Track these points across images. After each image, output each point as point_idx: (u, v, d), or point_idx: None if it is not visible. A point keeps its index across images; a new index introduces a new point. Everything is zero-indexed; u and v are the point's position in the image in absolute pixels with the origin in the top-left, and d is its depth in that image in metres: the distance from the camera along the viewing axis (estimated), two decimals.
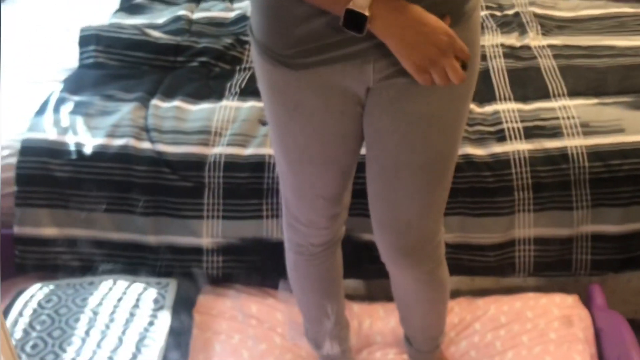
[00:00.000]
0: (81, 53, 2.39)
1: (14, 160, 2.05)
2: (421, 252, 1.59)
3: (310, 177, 1.53)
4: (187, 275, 2.04)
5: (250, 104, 2.21)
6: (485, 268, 2.10)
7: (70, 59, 2.40)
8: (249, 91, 2.26)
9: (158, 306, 1.88)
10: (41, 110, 2.16)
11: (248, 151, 2.08)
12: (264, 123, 2.13)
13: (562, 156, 2.07)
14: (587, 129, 2.12)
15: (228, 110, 2.18)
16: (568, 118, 2.15)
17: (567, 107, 2.19)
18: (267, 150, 2.08)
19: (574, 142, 2.09)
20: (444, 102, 1.39)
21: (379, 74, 1.38)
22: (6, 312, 1.84)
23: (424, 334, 1.85)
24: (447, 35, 1.25)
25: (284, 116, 1.45)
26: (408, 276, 1.66)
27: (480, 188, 2.05)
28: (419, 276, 1.65)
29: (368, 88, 1.39)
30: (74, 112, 2.16)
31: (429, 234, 1.58)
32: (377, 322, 2.04)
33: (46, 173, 2.04)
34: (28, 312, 1.82)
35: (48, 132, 2.09)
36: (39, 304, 1.84)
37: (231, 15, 2.67)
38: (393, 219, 1.54)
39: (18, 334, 1.77)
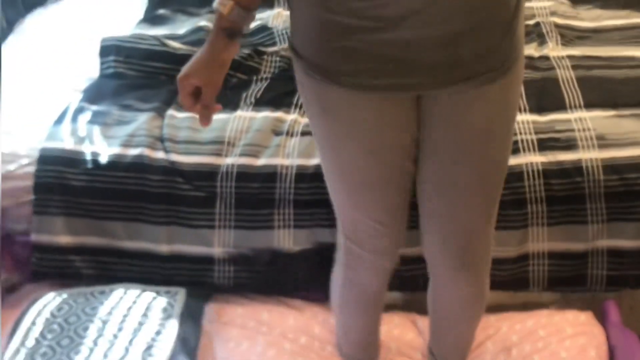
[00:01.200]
0: (101, 63, 2.39)
1: (32, 169, 2.06)
2: (478, 266, 1.59)
3: (370, 204, 1.49)
4: (198, 284, 2.02)
5: (265, 114, 2.18)
6: (500, 282, 2.03)
7: (92, 68, 2.39)
8: (264, 101, 2.23)
9: (166, 315, 1.86)
10: (59, 120, 2.16)
11: (261, 161, 2.06)
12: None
13: (576, 169, 2.01)
14: (603, 142, 2.05)
15: (242, 120, 2.16)
16: (584, 130, 2.08)
17: (583, 118, 2.12)
18: (279, 161, 2.05)
19: (589, 155, 2.02)
20: (499, 113, 1.39)
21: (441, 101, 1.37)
22: (20, 320, 1.84)
23: (456, 347, 1.82)
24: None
25: (339, 137, 1.40)
26: (460, 290, 1.62)
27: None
28: (470, 290, 1.62)
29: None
30: (91, 121, 2.15)
31: (487, 247, 1.57)
32: (394, 330, 1.99)
33: (63, 182, 2.04)
34: (41, 320, 1.82)
35: (65, 142, 2.09)
36: (51, 313, 1.84)
37: (251, 25, 2.64)
38: (455, 234, 1.52)
39: (30, 342, 1.77)
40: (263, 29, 2.61)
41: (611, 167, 2.00)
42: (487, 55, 1.30)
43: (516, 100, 1.44)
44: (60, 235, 2.04)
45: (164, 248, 2.03)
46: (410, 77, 1.29)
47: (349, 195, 1.50)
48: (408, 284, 2.02)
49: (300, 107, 2.22)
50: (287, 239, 2.03)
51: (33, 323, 1.82)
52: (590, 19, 2.67)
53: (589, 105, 2.17)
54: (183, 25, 2.61)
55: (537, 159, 2.03)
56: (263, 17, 2.72)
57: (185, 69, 1.40)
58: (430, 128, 1.41)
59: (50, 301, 1.89)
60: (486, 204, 1.50)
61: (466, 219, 1.49)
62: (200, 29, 2.57)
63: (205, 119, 1.42)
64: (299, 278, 2.05)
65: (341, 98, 1.33)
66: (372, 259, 1.61)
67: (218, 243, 2.02)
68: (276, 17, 2.72)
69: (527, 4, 2.74)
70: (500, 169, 1.49)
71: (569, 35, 2.54)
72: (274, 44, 2.53)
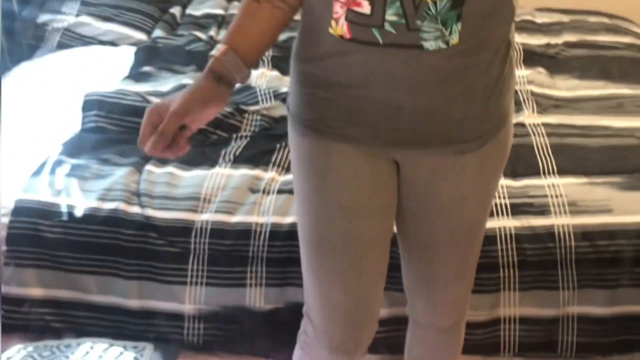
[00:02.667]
0: (83, 117, 2.38)
1: (6, 219, 2.02)
2: (455, 327, 1.59)
3: (341, 268, 1.39)
4: (167, 341, 1.97)
5: (243, 171, 2.17)
6: (471, 347, 1.98)
7: (74, 122, 2.38)
8: (243, 159, 2.22)
9: None
10: (37, 172, 2.14)
11: (235, 218, 2.03)
12: None
13: (548, 234, 1.99)
14: (575, 208, 2.04)
15: (220, 177, 2.14)
16: (557, 196, 2.07)
17: (556, 185, 2.11)
18: (255, 219, 2.03)
19: (561, 221, 2.01)
20: (478, 182, 1.39)
21: (415, 164, 1.37)
22: None
23: None
24: None
25: (311, 189, 1.36)
26: (436, 330, 1.60)
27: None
28: (446, 330, 1.60)
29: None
30: (69, 174, 2.13)
31: (464, 295, 1.56)
32: None
33: (36, 234, 2.01)
34: None
35: (42, 194, 2.06)
36: None
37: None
38: (431, 289, 1.51)
39: None
40: (246, 88, 2.61)
41: (582, 234, 1.98)
42: (461, 125, 1.30)
43: (499, 166, 1.43)
44: (31, 287, 1.99)
45: (134, 303, 1.99)
46: (379, 133, 1.29)
47: (313, 256, 1.42)
48: (387, 347, 1.97)
49: (278, 166, 2.21)
50: (258, 297, 1.99)
51: None
52: (566, 88, 2.69)
53: (562, 172, 2.16)
54: (167, 82, 2.61)
55: (511, 223, 2.01)
56: None
57: (177, 105, 1.24)
58: (407, 193, 1.40)
59: (14, 355, 1.83)
60: (464, 267, 1.50)
61: (443, 274, 1.48)
62: (183, 86, 2.56)
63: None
64: (267, 338, 2.00)
65: (317, 147, 1.33)
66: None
67: (189, 300, 1.98)
68: (260, 77, 2.73)
69: None
70: (478, 228, 1.48)
71: (545, 104, 2.55)
72: (256, 102, 2.53)
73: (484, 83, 1.29)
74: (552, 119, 2.45)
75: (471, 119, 1.31)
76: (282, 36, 3.05)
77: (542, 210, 2.04)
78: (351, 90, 1.26)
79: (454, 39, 1.21)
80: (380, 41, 1.19)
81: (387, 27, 1.18)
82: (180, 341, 1.98)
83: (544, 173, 2.16)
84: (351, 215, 1.36)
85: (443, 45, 1.21)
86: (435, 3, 1.17)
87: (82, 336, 1.95)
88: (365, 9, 1.17)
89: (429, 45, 1.21)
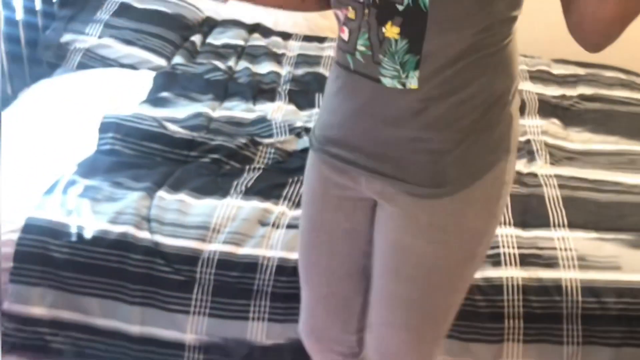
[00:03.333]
0: (99, 139, 2.37)
1: (15, 236, 2.01)
2: None
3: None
4: None
5: (253, 203, 2.15)
6: None
7: (89, 143, 2.38)
8: (254, 191, 2.20)
9: None
10: (50, 190, 2.13)
11: (243, 251, 2.01)
12: None
13: (556, 288, 1.96)
14: (584, 263, 2.02)
15: (230, 208, 2.13)
16: (565, 250, 2.05)
17: (565, 238, 2.09)
18: (262, 252, 2.01)
19: (569, 275, 1.98)
20: (423, 233, 1.33)
21: (372, 191, 1.34)
22: None
23: None
24: None
25: (303, 205, 1.52)
26: None
27: (470, 312, 1.94)
28: None
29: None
30: (82, 195, 2.12)
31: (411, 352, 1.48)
32: None
33: (44, 252, 1.99)
34: None
35: (53, 213, 2.05)
36: None
37: (251, 116, 2.65)
38: (382, 340, 1.48)
39: None
40: (262, 120, 2.61)
41: (590, 289, 1.96)
42: (412, 168, 1.29)
43: (476, 222, 1.34)
44: (34, 306, 1.97)
45: (136, 329, 1.96)
46: (351, 154, 1.35)
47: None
48: None
49: (289, 200, 2.19)
50: (260, 331, 1.96)
51: None
52: (580, 141, 2.68)
53: (573, 225, 2.14)
54: (184, 110, 2.61)
55: (518, 273, 1.99)
56: (264, 108, 2.72)
57: None
58: (377, 232, 1.41)
59: None
60: (413, 324, 1.44)
61: (391, 331, 1.46)
62: (200, 114, 2.57)
63: None
64: None
65: (311, 160, 1.46)
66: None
67: (191, 329, 1.96)
68: (276, 111, 2.72)
69: (521, 121, 2.75)
70: (433, 299, 1.40)
71: (558, 155, 2.53)
72: (270, 135, 2.53)
73: (446, 132, 1.26)
74: (565, 170, 2.43)
75: (424, 164, 1.28)
76: (300, 71, 3.10)
77: (551, 262, 2.01)
78: (334, 111, 1.36)
79: (412, 84, 1.22)
80: (351, 67, 1.28)
81: (357, 55, 1.26)
82: None
83: (554, 225, 2.14)
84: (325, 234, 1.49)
85: (399, 86, 1.23)
86: (396, 41, 1.20)
87: (82, 359, 1.93)
88: (345, 36, 1.27)
89: (386, 82, 1.24)
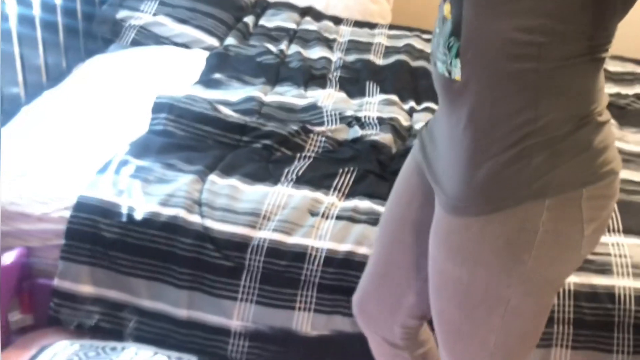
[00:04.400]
0: (152, 119, 2.35)
1: (67, 214, 2.00)
2: None
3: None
4: (210, 354, 1.92)
5: (304, 192, 2.11)
6: None
7: (141, 123, 2.35)
8: (305, 179, 2.16)
9: None
10: (102, 170, 2.11)
11: (292, 239, 1.98)
12: None
13: (608, 295, 1.90)
14: (638, 271, 1.94)
15: (281, 195, 2.09)
16: (620, 256, 1.98)
17: (620, 244, 2.02)
18: (311, 242, 1.97)
19: (622, 283, 1.92)
20: (461, 256, 1.22)
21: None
22: None
23: None
24: None
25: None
26: None
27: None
28: None
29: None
30: (133, 175, 2.10)
31: None
32: None
33: (95, 231, 1.97)
34: None
35: (104, 192, 2.03)
36: None
37: (303, 102, 2.60)
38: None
39: None
40: (313, 107, 2.57)
41: None
42: (446, 176, 1.23)
43: (494, 261, 1.18)
44: (83, 284, 1.96)
45: (182, 313, 1.94)
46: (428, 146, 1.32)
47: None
48: None
49: (339, 191, 2.15)
50: (306, 322, 1.93)
51: None
52: (636, 142, 2.59)
53: (628, 231, 2.08)
54: (236, 93, 2.57)
55: (570, 278, 1.92)
56: (314, 95, 2.68)
57: None
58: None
59: (60, 351, 1.80)
60: (444, 340, 1.34)
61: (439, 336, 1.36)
62: (252, 98, 2.53)
63: None
64: None
65: None
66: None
67: (237, 316, 1.93)
68: (327, 97, 2.68)
69: None
70: (456, 326, 1.29)
71: None
72: (321, 123, 2.48)
73: (478, 142, 1.14)
74: (621, 174, 2.35)
75: (453, 170, 1.20)
76: (351, 58, 3.04)
77: (604, 269, 1.95)
78: None
79: (456, 74, 1.13)
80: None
81: (435, 35, 1.19)
82: (224, 357, 1.93)
83: (609, 230, 2.07)
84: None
85: (446, 74, 1.15)
86: (448, 21, 1.12)
87: (127, 339, 1.91)
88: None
89: (439, 67, 1.17)
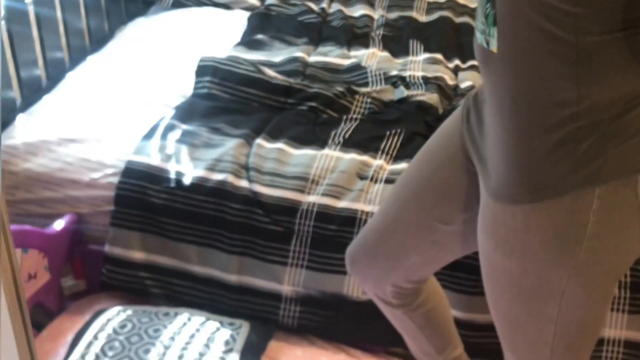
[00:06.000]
0: (196, 82, 2.30)
1: (115, 179, 1.97)
2: None
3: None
4: (262, 320, 1.90)
5: (351, 155, 2.06)
6: None
7: (186, 86, 2.31)
8: (352, 142, 2.11)
9: (228, 348, 1.74)
10: (149, 134, 2.07)
11: (342, 204, 1.93)
12: None
13: None
14: None
15: (329, 159, 2.04)
16: None
17: None
18: (360, 206, 1.93)
19: None
20: (509, 247, 1.15)
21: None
22: (82, 332, 1.74)
23: None
24: None
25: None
26: None
27: None
28: None
29: None
30: (180, 140, 2.06)
31: None
32: None
33: (144, 197, 1.95)
34: (103, 335, 1.72)
35: (152, 157, 2.00)
36: (114, 330, 1.74)
37: (347, 62, 2.54)
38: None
39: (90, 357, 1.67)
40: (357, 67, 2.50)
41: None
42: (496, 162, 1.13)
43: (543, 255, 1.11)
44: (134, 250, 1.94)
45: (233, 278, 1.91)
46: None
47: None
48: (482, 353, 1.85)
49: (387, 154, 2.10)
50: (356, 286, 1.89)
51: (95, 337, 1.73)
52: None
53: None
54: (279, 53, 2.51)
55: None
56: (359, 54, 2.61)
57: None
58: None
59: (114, 316, 1.79)
60: (505, 330, 1.27)
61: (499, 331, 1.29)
62: (296, 59, 2.47)
63: None
64: (362, 328, 1.91)
65: None
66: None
67: (288, 281, 1.90)
68: (370, 57, 2.61)
69: None
70: (510, 317, 1.22)
71: None
72: (366, 84, 2.42)
73: (516, 121, 1.06)
74: None
75: (495, 152, 1.11)
76: (393, 15, 2.95)
77: None
78: None
79: (493, 45, 1.04)
80: None
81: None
82: (275, 321, 1.91)
83: None
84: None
85: (485, 44, 1.06)
86: None
87: (178, 305, 1.90)
88: None
89: (478, 36, 1.08)
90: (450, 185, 1.32)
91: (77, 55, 2.46)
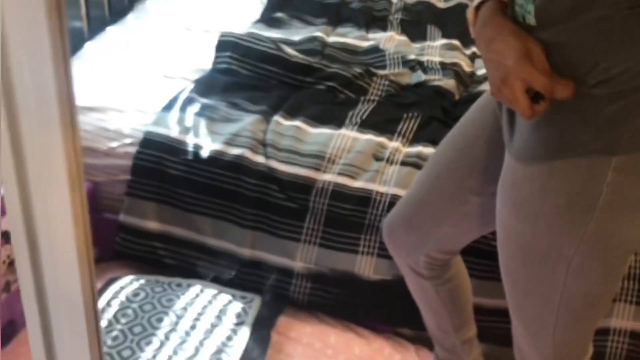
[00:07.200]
0: (216, 57, 2.31)
1: (133, 149, 1.98)
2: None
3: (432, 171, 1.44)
4: (273, 295, 1.92)
5: (368, 136, 2.07)
6: None
7: (205, 60, 2.31)
8: (369, 123, 2.12)
9: (239, 321, 1.76)
10: (168, 106, 2.08)
11: (357, 184, 1.95)
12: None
13: None
14: None
15: (345, 139, 2.05)
16: None
17: None
18: (375, 186, 1.94)
19: None
20: (525, 209, 1.17)
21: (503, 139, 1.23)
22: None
23: None
24: (514, 59, 1.06)
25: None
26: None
27: None
28: None
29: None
30: (199, 113, 2.07)
31: (533, 345, 1.32)
32: None
33: (161, 168, 1.96)
34: (116, 302, 1.74)
35: (171, 129, 2.01)
36: (127, 297, 1.76)
37: (365, 44, 2.54)
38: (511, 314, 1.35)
39: (103, 323, 1.69)
40: (375, 49, 2.50)
41: None
42: (521, 123, 1.15)
43: (554, 216, 1.14)
44: (149, 220, 1.96)
45: (246, 252, 1.93)
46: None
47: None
48: (489, 337, 1.87)
49: (403, 136, 2.11)
50: (368, 266, 1.91)
51: (108, 304, 1.75)
52: None
53: None
54: (298, 32, 2.52)
55: None
56: (377, 37, 2.61)
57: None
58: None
59: (127, 285, 1.81)
60: (512, 299, 1.30)
61: (510, 308, 1.32)
62: (315, 38, 2.47)
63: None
64: (371, 308, 1.93)
65: None
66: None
67: (300, 257, 1.92)
68: (388, 40, 2.61)
69: None
70: (522, 281, 1.24)
71: None
72: (384, 66, 2.42)
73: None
74: None
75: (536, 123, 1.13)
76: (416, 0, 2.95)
77: None
78: None
79: (530, 20, 1.08)
80: None
81: None
82: (286, 297, 1.93)
83: None
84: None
85: (520, 19, 1.10)
86: None
87: (191, 276, 1.91)
88: None
89: (517, 10, 1.11)
90: (481, 157, 1.35)
91: (97, 26, 2.47)
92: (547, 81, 1.05)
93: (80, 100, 2.07)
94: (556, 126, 1.10)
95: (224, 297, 1.82)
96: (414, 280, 1.60)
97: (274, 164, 1.96)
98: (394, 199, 1.92)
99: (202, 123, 2.03)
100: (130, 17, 2.57)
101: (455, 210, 1.42)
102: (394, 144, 2.07)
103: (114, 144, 1.99)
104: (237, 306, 1.80)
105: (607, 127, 1.06)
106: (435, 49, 2.61)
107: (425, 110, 2.21)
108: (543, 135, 1.12)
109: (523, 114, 1.08)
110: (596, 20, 1.02)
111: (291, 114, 2.10)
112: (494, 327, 1.86)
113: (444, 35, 2.71)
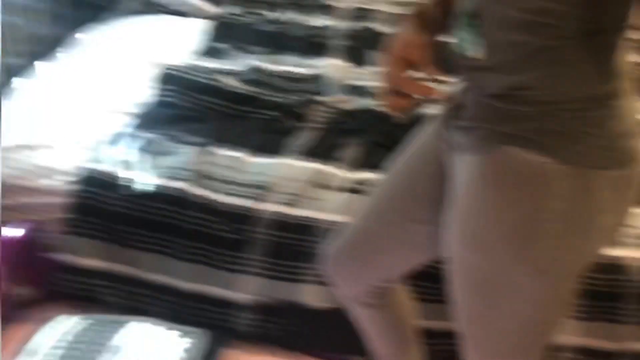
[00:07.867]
0: (155, 90, 2.29)
1: (70, 187, 1.95)
2: None
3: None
4: (217, 328, 1.89)
5: (310, 164, 2.07)
6: None
7: (141, 93, 2.29)
8: (310, 152, 2.12)
9: (181, 357, 1.73)
10: (106, 142, 2.06)
11: (298, 212, 1.94)
12: None
13: (617, 266, 1.87)
14: None
15: (286, 167, 2.05)
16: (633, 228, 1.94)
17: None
18: (320, 215, 1.93)
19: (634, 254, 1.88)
20: (477, 208, 1.17)
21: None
22: (29, 340, 1.72)
23: None
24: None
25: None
26: None
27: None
28: None
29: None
30: (138, 147, 2.05)
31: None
32: None
33: (99, 204, 1.94)
34: (49, 343, 1.70)
35: (108, 164, 1.99)
36: (63, 336, 1.72)
37: (306, 72, 2.55)
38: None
39: None
40: (316, 77, 2.51)
41: None
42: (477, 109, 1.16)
43: (489, 209, 1.14)
44: (89, 258, 1.93)
45: (187, 286, 1.91)
46: None
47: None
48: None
49: (346, 162, 2.11)
50: (314, 294, 1.90)
51: (46, 345, 1.70)
52: None
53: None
54: (239, 62, 2.51)
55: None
56: (317, 64, 2.62)
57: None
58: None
59: (67, 325, 1.77)
60: (471, 334, 1.29)
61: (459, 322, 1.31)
62: (255, 68, 2.47)
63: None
64: (320, 337, 1.91)
65: None
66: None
67: (243, 289, 1.90)
68: (330, 66, 2.61)
69: None
70: (487, 287, 1.21)
71: None
72: (326, 93, 2.43)
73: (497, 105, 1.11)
74: None
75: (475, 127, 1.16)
76: (352, 25, 2.97)
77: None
78: None
79: (473, 52, 1.12)
80: None
81: None
82: (231, 330, 1.91)
83: None
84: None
85: (464, 53, 1.14)
86: None
87: (132, 313, 1.88)
88: None
89: (459, 46, 1.15)
90: (426, 188, 1.35)
91: (24, 62, 2.41)
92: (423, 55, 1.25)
93: (16, 139, 2.03)
94: (498, 120, 1.11)
95: (168, 333, 1.79)
96: (358, 310, 1.60)
97: (213, 196, 1.94)
98: (337, 227, 1.91)
99: (140, 157, 2.01)
100: (65, 52, 2.53)
101: (399, 240, 1.43)
102: (336, 171, 2.07)
103: (47, 181, 1.96)
104: (181, 342, 1.77)
105: (548, 132, 1.07)
106: (376, 73, 2.62)
107: (368, 135, 2.22)
108: (487, 129, 1.13)
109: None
110: (538, 50, 1.05)
111: (231, 144, 2.10)
112: (442, 349, 1.86)
113: None
